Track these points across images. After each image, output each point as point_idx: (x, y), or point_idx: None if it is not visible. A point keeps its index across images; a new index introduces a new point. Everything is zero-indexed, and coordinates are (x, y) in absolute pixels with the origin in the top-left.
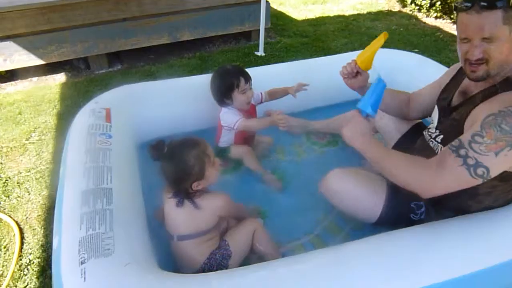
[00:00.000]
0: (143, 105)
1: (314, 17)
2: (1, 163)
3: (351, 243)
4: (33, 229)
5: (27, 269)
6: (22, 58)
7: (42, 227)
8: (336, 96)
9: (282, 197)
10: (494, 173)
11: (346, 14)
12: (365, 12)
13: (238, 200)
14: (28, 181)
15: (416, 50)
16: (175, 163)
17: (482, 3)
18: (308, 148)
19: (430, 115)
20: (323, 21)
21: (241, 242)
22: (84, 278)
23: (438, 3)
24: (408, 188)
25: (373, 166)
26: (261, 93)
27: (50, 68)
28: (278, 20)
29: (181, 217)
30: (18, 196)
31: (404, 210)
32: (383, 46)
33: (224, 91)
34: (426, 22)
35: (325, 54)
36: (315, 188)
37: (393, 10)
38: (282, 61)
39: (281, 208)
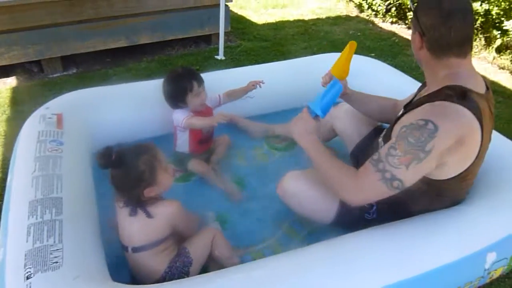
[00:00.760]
0: (97, 111)
1: (274, 21)
2: None
3: (308, 247)
4: None
5: None
6: None
7: None
8: (296, 100)
9: (241, 202)
10: (408, 184)
11: (306, 18)
12: (324, 16)
13: (196, 206)
14: None
15: (372, 55)
16: (124, 169)
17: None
18: (267, 152)
19: None
20: (283, 25)
21: (200, 249)
22: None
23: (394, 8)
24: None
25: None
26: (218, 95)
27: (0, 72)
28: (239, 23)
29: (135, 228)
30: None
31: (357, 210)
32: (337, 51)
33: (178, 95)
34: (382, 27)
35: (285, 58)
36: (274, 192)
37: (351, 15)
38: (242, 65)
39: (240, 213)
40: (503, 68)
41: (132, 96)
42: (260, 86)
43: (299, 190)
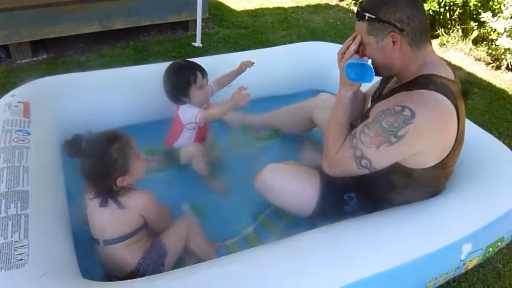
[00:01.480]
0: (67, 99)
1: (253, 8)
2: None
3: (282, 241)
4: None
5: None
6: None
7: None
8: (272, 89)
9: (217, 194)
10: (376, 165)
11: (285, 6)
12: (303, 4)
13: (170, 197)
14: None
15: None
16: (95, 158)
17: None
18: (245, 143)
19: None
20: (262, 13)
21: (175, 240)
22: None
23: None
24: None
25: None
26: (210, 86)
27: None
28: (217, 10)
29: (106, 220)
30: None
31: (337, 203)
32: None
33: (181, 88)
34: None
35: (264, 46)
36: (252, 184)
37: (331, 4)
38: (220, 52)
39: (217, 204)
40: (479, 60)
41: (103, 83)
42: (250, 67)
43: (278, 183)
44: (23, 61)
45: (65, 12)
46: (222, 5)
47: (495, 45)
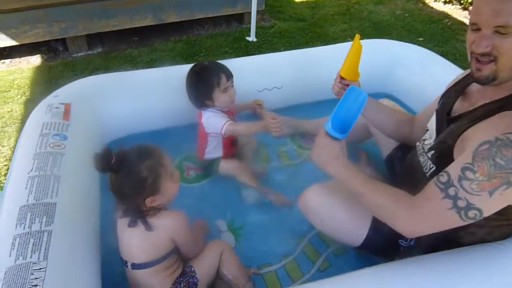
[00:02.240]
0: (109, 100)
1: None
2: None
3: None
4: None
5: None
6: None
7: None
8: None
9: (258, 211)
10: (488, 213)
11: None
12: None
13: (207, 211)
14: None
15: (421, 39)
16: (125, 175)
17: None
18: (292, 151)
19: None
20: (322, 3)
21: (208, 267)
22: None
23: None
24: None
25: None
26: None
27: (27, 49)
28: (275, 1)
29: (134, 242)
30: None
31: (392, 235)
32: (382, 36)
33: (204, 91)
34: (434, 7)
35: (322, 41)
36: (295, 199)
37: None
38: (275, 48)
39: (255, 222)
40: None
41: (147, 83)
42: (254, 111)
43: (323, 208)
44: (79, 54)
45: (120, 5)
46: None
47: None
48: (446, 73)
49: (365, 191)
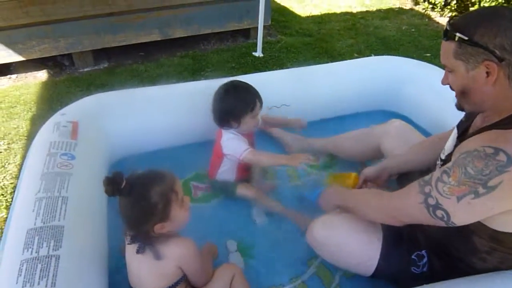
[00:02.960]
0: (118, 118)
1: (319, 14)
2: None
3: None
4: None
5: None
6: (0, 53)
7: None
8: (335, 108)
9: (267, 231)
10: (456, 220)
11: (354, 11)
12: (374, 9)
13: (217, 232)
14: None
15: (428, 55)
16: (135, 199)
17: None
18: (300, 170)
19: None
20: (328, 19)
21: None
22: None
23: (454, 1)
24: (379, 221)
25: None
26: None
27: (33, 64)
28: (281, 16)
29: (143, 269)
30: None
31: (403, 263)
32: (389, 51)
33: (235, 111)
34: (440, 22)
35: (329, 56)
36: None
37: (404, 8)
38: (281, 63)
39: (264, 242)
40: None
41: (156, 100)
42: (298, 130)
43: (332, 241)
44: (85, 69)
45: (126, 21)
46: (287, 11)
47: None
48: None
49: (356, 201)
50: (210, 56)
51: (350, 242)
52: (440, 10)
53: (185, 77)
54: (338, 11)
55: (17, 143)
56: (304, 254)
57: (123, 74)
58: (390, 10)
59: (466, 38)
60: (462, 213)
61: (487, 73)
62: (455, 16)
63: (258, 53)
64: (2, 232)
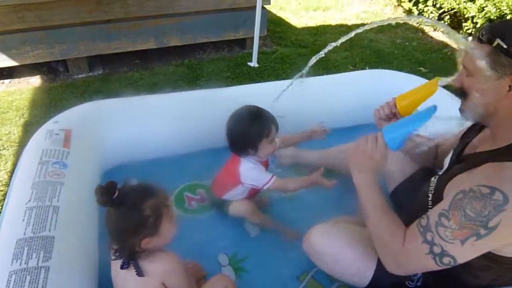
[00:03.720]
0: (111, 127)
1: (314, 25)
2: None
3: None
4: None
5: None
6: None
7: None
8: (331, 121)
9: (260, 243)
10: (462, 261)
11: (349, 23)
12: (369, 22)
13: (208, 244)
14: None
15: (422, 69)
16: (126, 210)
17: (480, 35)
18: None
19: None
20: (324, 30)
21: None
22: None
23: (447, 17)
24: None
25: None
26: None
27: (27, 70)
28: (276, 26)
29: (128, 286)
30: None
31: (398, 276)
32: (383, 65)
33: (252, 139)
34: (433, 36)
35: (324, 68)
36: (300, 233)
37: (399, 22)
38: (277, 74)
39: (257, 256)
40: None
41: (151, 109)
42: (323, 139)
43: (328, 250)
44: (79, 76)
45: (122, 28)
46: (282, 21)
47: None
48: (448, 105)
49: (373, 216)
50: (205, 65)
51: (345, 252)
52: (433, 25)
53: (180, 85)
54: (333, 23)
55: (8, 149)
56: (297, 267)
57: (118, 82)
58: (384, 24)
59: (505, 47)
60: (467, 254)
61: (510, 86)
62: (490, 19)
63: (254, 63)
64: None
